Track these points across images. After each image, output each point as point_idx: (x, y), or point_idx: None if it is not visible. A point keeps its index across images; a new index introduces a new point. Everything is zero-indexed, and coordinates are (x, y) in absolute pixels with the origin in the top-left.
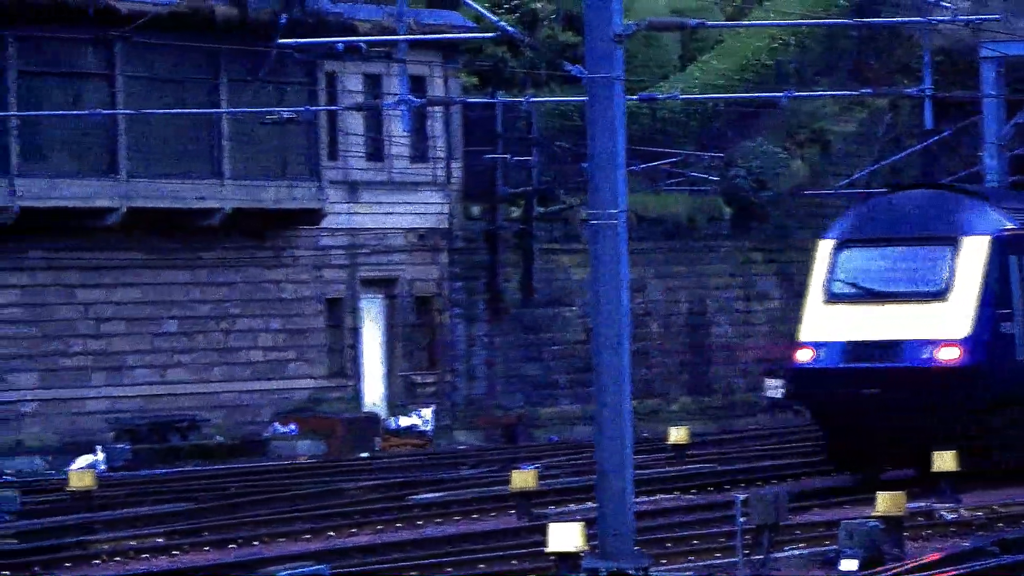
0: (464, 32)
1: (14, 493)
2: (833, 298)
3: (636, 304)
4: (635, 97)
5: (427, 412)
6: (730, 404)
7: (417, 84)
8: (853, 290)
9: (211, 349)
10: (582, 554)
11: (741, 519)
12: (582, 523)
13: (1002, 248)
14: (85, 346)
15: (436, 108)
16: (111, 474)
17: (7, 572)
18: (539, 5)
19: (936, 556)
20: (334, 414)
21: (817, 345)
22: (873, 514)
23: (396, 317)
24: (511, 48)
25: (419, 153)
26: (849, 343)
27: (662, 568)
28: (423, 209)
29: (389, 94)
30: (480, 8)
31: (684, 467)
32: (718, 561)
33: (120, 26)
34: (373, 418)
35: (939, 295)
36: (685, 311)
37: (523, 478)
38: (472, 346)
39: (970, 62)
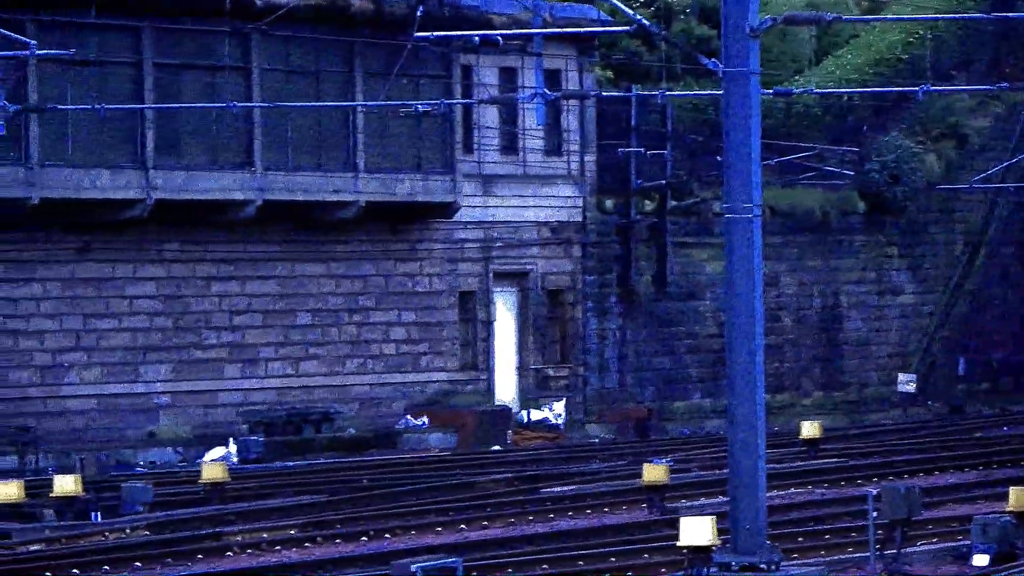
0: (599, 26)
1: (147, 485)
2: None
3: (769, 298)
4: (770, 91)
5: (559, 405)
6: (863, 399)
7: (552, 77)
8: None
9: (344, 342)
10: (713, 548)
11: (873, 514)
12: (714, 517)
13: None
14: (219, 338)
15: (571, 101)
16: (243, 466)
17: (139, 564)
18: None
19: None
20: (466, 407)
21: None
22: (1007, 509)
23: (528, 310)
24: (646, 42)
25: (553, 146)
26: None
27: (793, 563)
28: (556, 203)
29: (524, 87)
30: (615, 1)
31: (816, 461)
32: (850, 556)
33: (256, 19)
34: (505, 411)
35: None
36: (818, 305)
37: (654, 472)
38: (604, 340)
39: None
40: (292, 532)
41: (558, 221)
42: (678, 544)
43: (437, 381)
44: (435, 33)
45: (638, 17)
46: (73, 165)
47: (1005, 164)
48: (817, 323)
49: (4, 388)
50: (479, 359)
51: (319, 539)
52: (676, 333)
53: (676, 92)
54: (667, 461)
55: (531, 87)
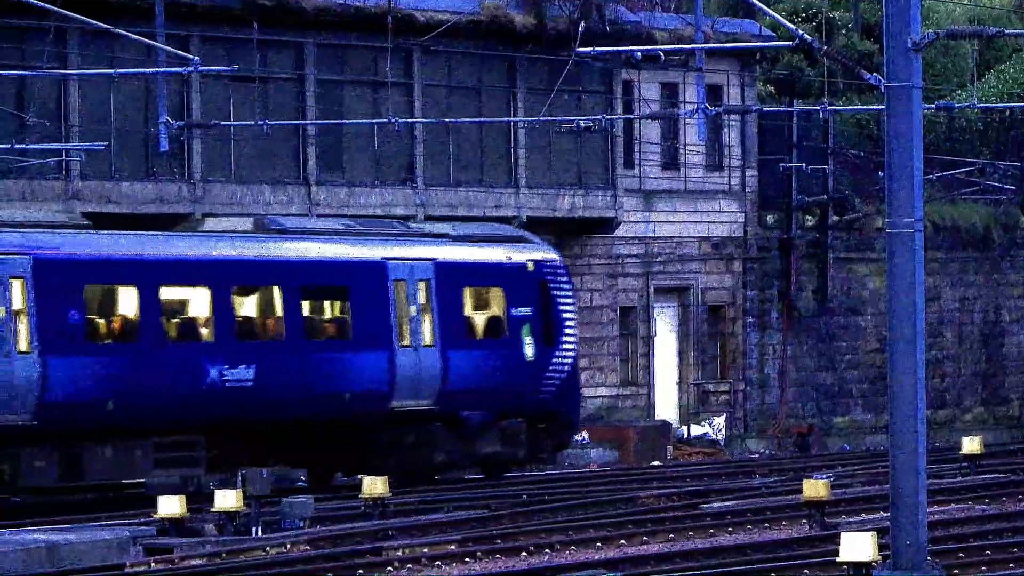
0: (761, 40)
1: (308, 499)
2: None
3: (930, 313)
4: (932, 106)
5: (719, 421)
6: None
7: (714, 93)
8: None
9: None
10: (874, 564)
11: None
12: (874, 533)
13: None
14: None
15: (732, 116)
16: None
17: None
18: (836, 14)
19: None
20: (626, 422)
21: None
22: None
23: (689, 326)
24: (808, 57)
25: (714, 162)
26: None
27: None
28: (717, 218)
29: (685, 102)
30: (778, 16)
31: (977, 477)
32: (1011, 572)
33: (418, 35)
34: (665, 427)
35: None
36: (979, 320)
37: (815, 487)
38: (765, 355)
39: None
40: (452, 547)
41: (719, 236)
42: (838, 560)
43: (598, 396)
44: (597, 49)
45: (800, 32)
46: (236, 181)
47: None
48: (979, 338)
49: None
50: (639, 374)
51: (479, 554)
52: (837, 348)
53: (838, 107)
54: (828, 477)
55: (692, 102)
